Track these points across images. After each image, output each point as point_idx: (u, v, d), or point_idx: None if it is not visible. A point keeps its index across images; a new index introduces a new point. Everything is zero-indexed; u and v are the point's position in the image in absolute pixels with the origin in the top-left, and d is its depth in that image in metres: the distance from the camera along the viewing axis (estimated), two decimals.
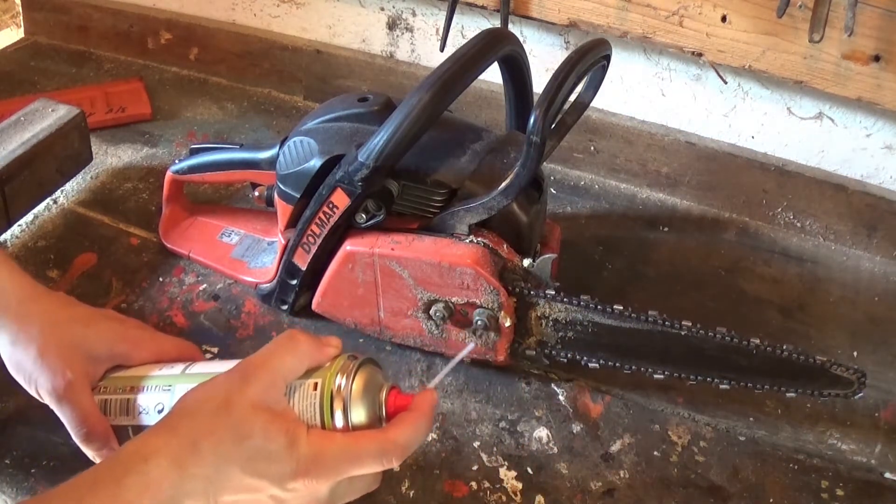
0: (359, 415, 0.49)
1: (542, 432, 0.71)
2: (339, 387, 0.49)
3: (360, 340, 0.78)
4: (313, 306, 0.77)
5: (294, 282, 0.77)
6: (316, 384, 0.49)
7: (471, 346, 0.57)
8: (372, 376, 0.51)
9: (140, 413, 0.55)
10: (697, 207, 1.00)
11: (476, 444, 0.70)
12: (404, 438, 0.48)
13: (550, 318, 0.70)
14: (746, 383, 0.67)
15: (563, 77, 0.65)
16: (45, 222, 0.91)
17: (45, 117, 0.91)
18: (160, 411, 0.54)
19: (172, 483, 0.44)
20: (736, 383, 0.67)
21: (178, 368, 0.56)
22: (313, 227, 0.72)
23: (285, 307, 0.80)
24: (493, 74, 0.76)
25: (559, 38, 1.01)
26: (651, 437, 0.72)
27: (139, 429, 0.55)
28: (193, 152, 0.84)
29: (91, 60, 1.22)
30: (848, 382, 0.66)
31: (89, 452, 0.56)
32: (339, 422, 0.49)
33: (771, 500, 0.67)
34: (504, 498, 0.66)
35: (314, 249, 0.73)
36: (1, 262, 0.60)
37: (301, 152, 0.73)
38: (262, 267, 0.82)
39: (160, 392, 0.55)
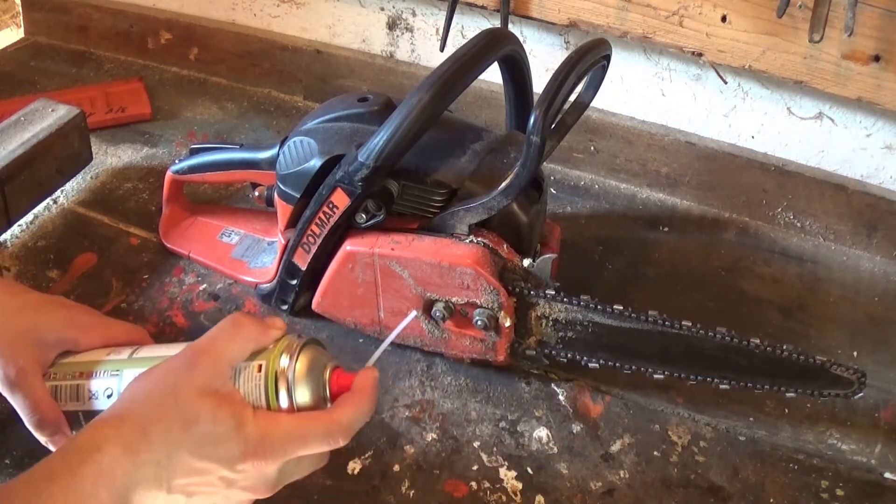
0: (303, 395, 0.50)
1: (542, 432, 0.71)
2: (283, 367, 0.50)
3: (360, 340, 0.78)
4: (313, 306, 0.77)
5: (294, 282, 0.77)
6: (260, 366, 0.50)
7: (411, 315, 0.58)
8: (315, 356, 0.51)
9: (90, 398, 0.56)
10: (697, 207, 1.00)
11: (476, 444, 0.70)
12: (348, 419, 0.50)
13: (550, 318, 0.70)
14: (746, 383, 0.67)
15: (563, 77, 0.65)
16: (45, 222, 0.91)
17: (45, 117, 0.91)
18: (109, 396, 0.55)
19: (126, 471, 0.45)
20: (736, 383, 0.67)
21: (125, 353, 0.57)
22: (313, 227, 0.72)
23: (285, 307, 0.80)
24: (493, 74, 0.76)
25: (559, 38, 1.01)
26: (651, 437, 0.72)
27: (89, 414, 0.55)
28: (193, 152, 0.84)
29: (91, 60, 1.22)
30: (848, 382, 0.66)
31: (42, 438, 0.57)
32: (283, 402, 0.49)
33: (771, 500, 0.67)
34: (504, 498, 0.66)
35: (314, 249, 0.73)
36: None
37: (301, 152, 0.73)
38: (262, 267, 0.82)
39: (109, 377, 0.55)
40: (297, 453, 0.49)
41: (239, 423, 0.47)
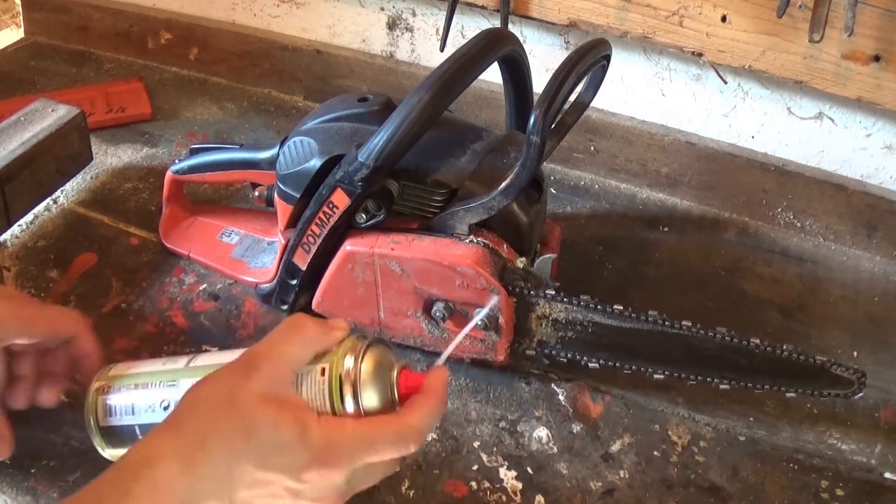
0: (370, 398, 0.47)
1: (542, 432, 0.71)
2: (348, 370, 0.47)
3: None
4: (313, 306, 0.77)
5: (294, 282, 0.77)
6: (324, 369, 0.48)
7: (474, 321, 0.56)
8: (381, 357, 0.49)
9: (146, 411, 0.54)
10: (697, 207, 1.00)
11: (476, 444, 0.70)
12: (420, 421, 0.47)
13: (550, 318, 0.70)
14: (746, 383, 0.67)
15: (563, 77, 0.65)
16: (45, 222, 0.91)
17: (45, 117, 0.91)
18: (166, 408, 0.53)
19: (184, 487, 0.42)
20: (736, 383, 0.67)
21: (181, 362, 0.55)
22: (313, 227, 0.72)
23: (285, 307, 0.79)
24: (493, 74, 0.76)
25: (559, 38, 1.01)
26: (651, 437, 0.72)
27: (146, 427, 0.53)
28: (193, 152, 0.84)
29: (91, 60, 1.22)
30: (848, 382, 0.66)
31: None
32: (349, 407, 0.47)
33: (771, 500, 0.67)
34: (504, 498, 0.66)
35: (314, 249, 0.73)
36: None
37: (301, 152, 0.73)
38: (262, 267, 0.82)
39: (165, 388, 0.53)
40: (366, 460, 0.46)
41: (303, 430, 0.45)
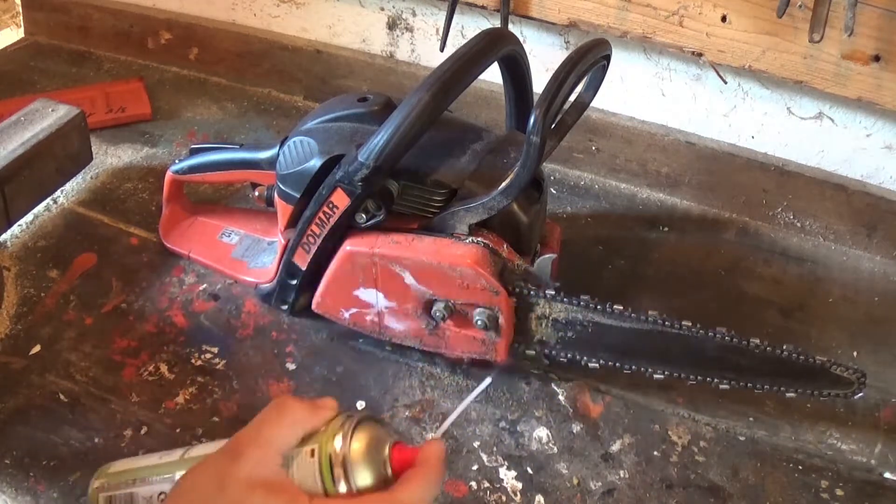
0: (363, 477, 0.46)
1: (542, 432, 0.71)
2: (338, 450, 0.46)
3: (360, 340, 0.78)
4: (313, 306, 0.77)
5: (294, 282, 0.77)
6: (313, 451, 0.47)
7: (482, 386, 0.54)
8: (372, 434, 0.48)
9: None
10: (697, 207, 1.00)
11: (476, 444, 0.70)
12: (415, 497, 0.46)
13: (550, 318, 0.70)
14: (746, 383, 0.67)
15: (563, 77, 0.65)
16: (45, 222, 0.91)
17: (45, 117, 0.91)
18: (163, 501, 0.53)
19: None
20: (736, 383, 0.67)
21: (176, 454, 0.55)
22: (313, 227, 0.72)
23: (285, 307, 0.79)
24: (493, 74, 0.76)
25: (559, 38, 1.01)
26: (651, 437, 0.72)
27: None
28: (193, 152, 0.84)
29: (91, 60, 1.22)
30: (848, 382, 0.66)
31: None
32: (342, 487, 0.46)
33: (771, 501, 0.67)
34: (504, 498, 0.66)
35: (314, 249, 0.73)
36: None
37: (301, 152, 0.73)
38: (262, 267, 0.82)
39: (162, 482, 0.53)
40: None
41: None
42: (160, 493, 0.53)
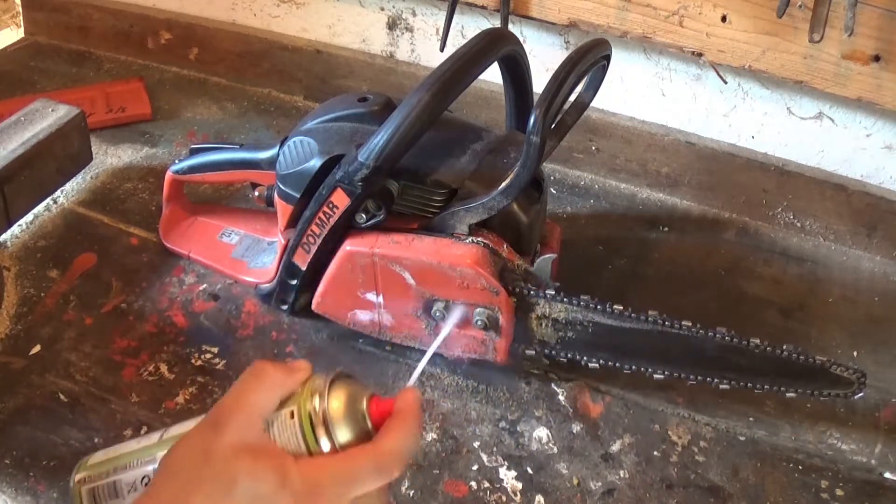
0: (343, 433, 0.47)
1: (542, 432, 0.71)
2: (316, 408, 0.47)
3: (360, 340, 0.78)
4: (313, 306, 0.77)
5: (294, 282, 0.77)
6: (292, 412, 0.47)
7: (442, 334, 0.56)
8: (348, 390, 0.49)
9: (129, 491, 0.54)
10: (697, 207, 1.00)
11: (476, 444, 0.70)
12: (398, 446, 0.47)
13: (550, 318, 0.70)
14: (746, 383, 0.67)
15: (563, 77, 0.65)
16: (45, 222, 0.91)
17: (45, 117, 0.91)
18: (147, 484, 0.52)
19: None
20: (736, 383, 0.67)
21: (154, 437, 0.55)
22: (313, 227, 0.72)
23: (285, 307, 0.79)
24: (493, 74, 0.76)
25: (559, 38, 1.01)
26: (651, 437, 0.72)
27: None
28: (193, 152, 0.84)
29: (91, 60, 1.22)
30: (848, 382, 0.66)
31: None
32: (325, 445, 0.47)
33: (771, 501, 0.67)
34: (504, 498, 0.66)
35: (314, 249, 0.73)
36: None
37: (301, 152, 0.73)
38: (262, 267, 0.82)
39: (144, 465, 0.53)
40: (350, 494, 0.45)
41: (282, 476, 0.44)
42: (143, 477, 0.53)
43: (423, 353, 0.76)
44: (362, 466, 0.46)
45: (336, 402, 0.47)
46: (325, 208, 0.70)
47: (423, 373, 0.76)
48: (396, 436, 0.47)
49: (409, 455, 0.47)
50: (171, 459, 0.46)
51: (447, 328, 0.54)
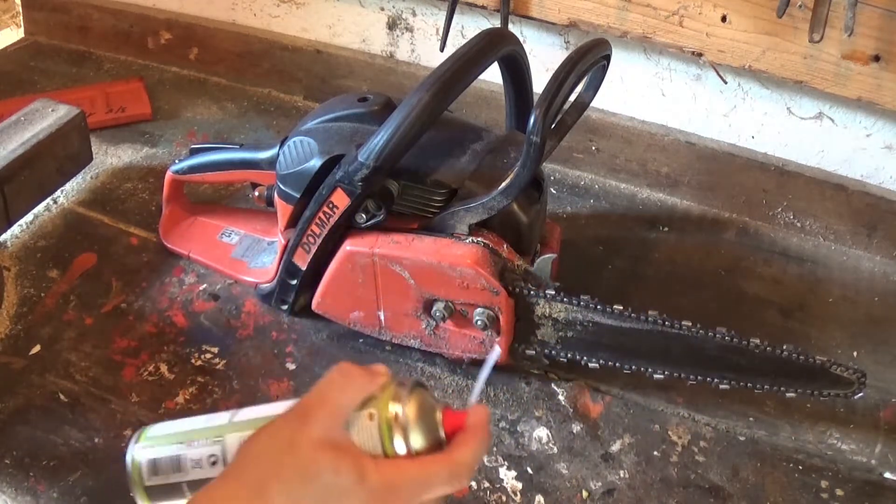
0: (418, 440, 0.49)
1: (542, 432, 0.71)
2: (395, 414, 0.49)
3: (360, 340, 0.78)
4: (313, 306, 0.77)
5: (294, 282, 0.77)
6: (371, 414, 0.49)
7: (498, 350, 0.57)
8: (425, 399, 0.51)
9: (193, 467, 0.55)
10: (697, 207, 1.00)
11: None
12: (470, 458, 0.49)
13: (550, 318, 0.70)
14: (746, 383, 0.67)
15: (563, 77, 0.65)
16: (45, 222, 0.91)
17: (45, 117, 0.91)
18: (214, 463, 0.54)
19: None
20: (736, 383, 0.67)
21: (224, 418, 0.56)
22: (313, 227, 0.72)
23: (285, 307, 0.80)
24: (493, 74, 0.76)
25: (559, 38, 1.01)
26: (651, 437, 0.72)
27: (194, 484, 0.54)
28: (193, 152, 0.84)
29: (91, 60, 1.22)
30: (848, 382, 0.66)
31: None
32: (400, 449, 0.48)
33: (771, 500, 0.67)
34: (504, 498, 0.66)
35: (314, 249, 0.73)
36: None
37: (301, 152, 0.73)
38: (262, 267, 0.82)
39: (211, 444, 0.54)
40: (421, 499, 0.48)
41: (362, 474, 0.46)
42: (210, 456, 0.54)
43: (424, 352, 0.76)
44: (437, 473, 0.48)
45: (414, 410, 0.49)
46: (325, 208, 0.70)
47: (422, 373, 0.76)
48: (468, 448, 0.49)
49: (477, 467, 0.49)
50: (255, 444, 0.48)
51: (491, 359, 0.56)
